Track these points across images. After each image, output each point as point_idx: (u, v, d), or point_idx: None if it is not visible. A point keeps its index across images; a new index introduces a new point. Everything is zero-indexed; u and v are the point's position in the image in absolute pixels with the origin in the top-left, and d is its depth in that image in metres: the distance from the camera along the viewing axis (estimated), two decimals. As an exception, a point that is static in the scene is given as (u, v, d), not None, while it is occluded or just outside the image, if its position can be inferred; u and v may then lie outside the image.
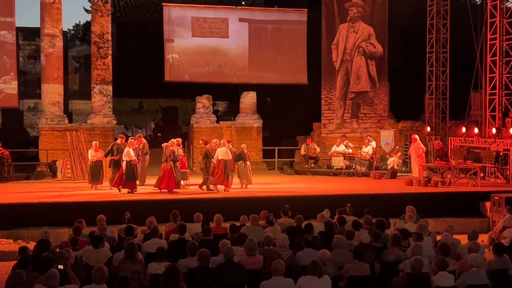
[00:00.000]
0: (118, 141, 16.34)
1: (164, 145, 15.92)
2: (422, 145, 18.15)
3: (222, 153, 15.76)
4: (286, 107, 27.85)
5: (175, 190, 15.39)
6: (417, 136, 18.51)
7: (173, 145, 15.66)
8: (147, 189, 16.03)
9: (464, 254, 8.13)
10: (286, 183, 18.11)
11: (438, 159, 17.59)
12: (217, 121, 22.71)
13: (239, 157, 16.72)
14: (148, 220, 10.12)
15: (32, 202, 13.81)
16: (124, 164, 15.39)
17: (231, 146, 16.44)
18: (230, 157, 15.91)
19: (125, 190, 15.43)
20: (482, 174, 17.57)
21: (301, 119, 27.05)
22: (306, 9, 22.67)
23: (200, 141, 16.73)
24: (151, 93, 32.79)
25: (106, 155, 16.30)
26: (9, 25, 19.96)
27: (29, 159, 21.57)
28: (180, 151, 15.96)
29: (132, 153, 15.45)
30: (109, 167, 16.36)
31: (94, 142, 16.59)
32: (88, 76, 22.89)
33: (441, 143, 18.05)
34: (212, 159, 15.74)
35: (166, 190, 15.33)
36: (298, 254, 8.15)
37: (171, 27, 21.46)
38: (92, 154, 16.12)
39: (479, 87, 19.71)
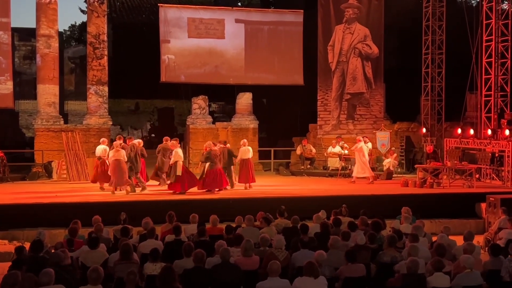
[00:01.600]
0: (117, 142, 16.29)
1: (207, 144, 15.97)
2: (364, 148, 18.25)
3: (245, 152, 16.62)
4: (282, 108, 27.85)
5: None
6: (361, 138, 18.61)
7: (212, 146, 15.89)
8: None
9: (460, 255, 8.14)
10: (282, 184, 18.11)
11: (432, 160, 17.64)
12: (213, 122, 22.70)
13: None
14: (143, 221, 10.10)
15: (27, 202, 13.79)
16: (181, 165, 15.27)
17: (229, 145, 16.89)
18: (251, 156, 16.85)
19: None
20: (477, 175, 17.61)
21: (297, 120, 27.04)
22: (302, 10, 22.65)
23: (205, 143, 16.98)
24: (147, 94, 32.78)
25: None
26: (5, 26, 19.91)
27: (24, 160, 21.51)
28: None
29: (180, 153, 15.40)
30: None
31: (117, 141, 15.81)
32: (84, 76, 22.86)
33: (432, 148, 18.11)
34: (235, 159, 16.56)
35: (218, 190, 15.60)
36: (294, 255, 8.16)
37: (167, 28, 21.44)
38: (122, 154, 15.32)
39: (475, 89, 19.74)
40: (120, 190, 15.51)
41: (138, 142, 16.41)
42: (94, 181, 16.47)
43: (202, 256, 7.30)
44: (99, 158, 16.24)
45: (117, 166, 15.10)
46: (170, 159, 15.51)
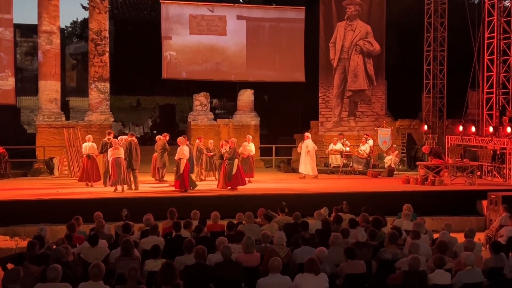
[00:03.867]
0: (106, 138, 16.26)
1: (232, 141, 15.92)
2: (313, 144, 18.42)
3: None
4: (284, 105, 27.83)
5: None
6: (309, 134, 18.71)
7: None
8: (145, 186, 16.02)
9: (461, 252, 8.15)
10: (283, 181, 18.12)
11: (432, 158, 17.63)
12: (215, 119, 22.70)
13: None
14: (145, 217, 10.10)
15: (29, 199, 13.82)
16: (185, 163, 15.02)
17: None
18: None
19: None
20: (479, 173, 17.61)
21: (299, 117, 27.05)
22: (304, 7, 22.64)
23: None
24: (148, 91, 32.75)
25: (101, 152, 16.26)
26: (7, 22, 19.92)
27: (26, 156, 21.52)
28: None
29: (186, 151, 15.10)
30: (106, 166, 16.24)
31: (115, 140, 15.71)
32: (86, 73, 22.86)
33: (428, 147, 18.07)
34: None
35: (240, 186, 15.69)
36: (295, 252, 8.16)
37: (169, 25, 21.43)
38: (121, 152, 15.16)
39: (476, 86, 19.74)
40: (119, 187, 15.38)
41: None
42: (81, 180, 16.28)
43: (203, 253, 7.30)
44: (88, 156, 16.21)
45: (117, 164, 15.00)
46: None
